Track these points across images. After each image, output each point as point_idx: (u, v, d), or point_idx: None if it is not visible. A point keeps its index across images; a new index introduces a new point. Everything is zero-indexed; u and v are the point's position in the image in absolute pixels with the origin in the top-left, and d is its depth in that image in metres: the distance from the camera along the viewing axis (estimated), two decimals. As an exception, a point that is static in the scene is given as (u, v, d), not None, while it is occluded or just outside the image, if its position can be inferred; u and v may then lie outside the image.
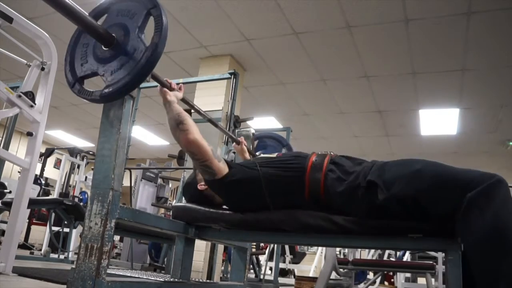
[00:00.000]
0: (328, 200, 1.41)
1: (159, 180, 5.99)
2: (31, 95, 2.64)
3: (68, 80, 1.30)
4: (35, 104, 2.67)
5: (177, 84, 1.57)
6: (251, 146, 2.62)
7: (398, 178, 1.27)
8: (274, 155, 1.61)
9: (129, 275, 1.87)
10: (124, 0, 1.28)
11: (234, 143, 2.25)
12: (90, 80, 1.29)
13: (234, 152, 2.85)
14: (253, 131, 2.78)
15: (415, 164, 1.29)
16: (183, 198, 1.96)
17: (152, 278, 1.68)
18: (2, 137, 3.63)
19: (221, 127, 2.11)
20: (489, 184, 1.13)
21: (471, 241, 1.11)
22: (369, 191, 1.31)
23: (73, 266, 1.19)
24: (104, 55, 1.23)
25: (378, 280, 4.82)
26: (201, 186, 1.63)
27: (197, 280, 1.98)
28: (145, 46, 1.16)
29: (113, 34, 1.22)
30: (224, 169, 1.49)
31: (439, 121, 5.84)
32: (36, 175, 5.04)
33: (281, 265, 5.70)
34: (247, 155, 2.22)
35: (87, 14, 1.19)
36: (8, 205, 3.66)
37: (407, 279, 4.56)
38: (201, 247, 3.62)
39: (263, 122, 6.43)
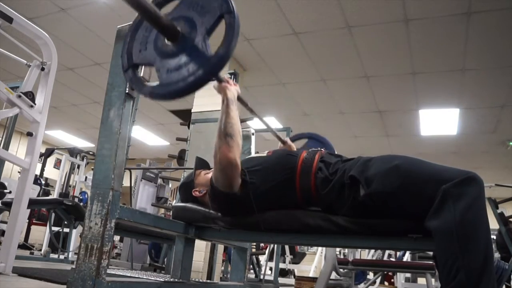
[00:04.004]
0: (319, 199, 1.41)
1: (159, 180, 6.00)
2: (31, 95, 2.64)
3: (123, 64, 1.20)
4: (35, 104, 2.67)
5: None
6: (250, 147, 2.61)
7: (377, 174, 1.29)
8: (265, 153, 1.61)
9: (129, 275, 1.87)
10: None
11: (280, 144, 2.22)
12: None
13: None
14: (253, 131, 2.77)
15: (394, 160, 1.30)
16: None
17: (152, 278, 1.68)
18: (2, 137, 3.63)
19: (273, 131, 2.07)
20: (465, 178, 1.15)
21: (439, 230, 1.12)
22: (352, 187, 1.32)
23: (73, 266, 1.19)
24: (164, 49, 1.11)
25: (378, 280, 4.81)
26: (195, 192, 1.62)
27: (197, 280, 1.98)
28: (209, 54, 1.05)
29: (179, 28, 1.09)
30: (238, 184, 1.45)
31: (439, 121, 5.84)
32: (36, 175, 5.04)
33: (281, 265, 5.70)
34: None
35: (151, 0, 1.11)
36: (8, 205, 3.66)
37: (407, 279, 4.56)
38: (201, 247, 3.62)
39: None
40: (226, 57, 1.04)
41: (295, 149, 2.12)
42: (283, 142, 2.17)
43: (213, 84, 1.49)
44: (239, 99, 1.56)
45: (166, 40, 1.11)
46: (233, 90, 1.50)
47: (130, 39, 1.21)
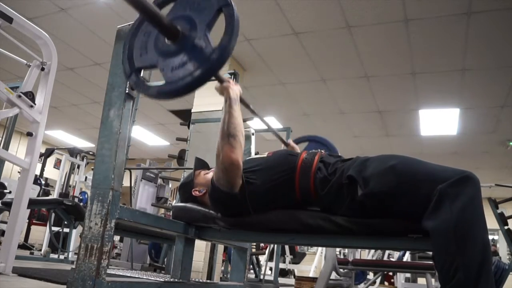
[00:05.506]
0: (319, 200, 1.41)
1: (159, 180, 6.00)
2: (31, 95, 2.64)
3: (125, 70, 1.21)
4: (35, 104, 2.67)
5: None
6: (251, 147, 2.61)
7: (374, 174, 1.29)
8: (265, 154, 1.61)
9: (129, 275, 1.86)
10: None
11: (283, 146, 2.20)
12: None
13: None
14: (253, 131, 2.78)
15: (390, 160, 1.30)
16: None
17: (152, 278, 1.67)
18: (2, 137, 3.63)
19: (274, 131, 2.07)
20: (461, 177, 1.15)
21: (437, 230, 1.12)
22: (351, 187, 1.33)
23: (73, 266, 1.19)
24: (166, 49, 1.13)
25: (378, 280, 4.82)
26: (195, 192, 1.62)
27: (197, 280, 1.98)
28: (212, 46, 1.07)
29: (178, 27, 1.11)
30: (239, 185, 1.45)
31: (439, 121, 5.84)
32: (36, 175, 5.04)
33: (281, 265, 5.70)
34: None
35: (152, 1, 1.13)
36: (8, 205, 3.66)
37: (407, 279, 4.56)
38: (201, 247, 3.62)
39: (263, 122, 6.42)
40: (230, 47, 1.06)
41: (298, 150, 2.12)
42: (286, 144, 2.17)
43: (214, 85, 1.48)
44: (241, 100, 1.54)
45: (166, 40, 1.12)
46: (236, 89, 1.49)
47: (129, 45, 1.21)
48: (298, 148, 2.17)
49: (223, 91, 1.46)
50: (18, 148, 8.16)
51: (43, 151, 5.91)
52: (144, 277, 1.74)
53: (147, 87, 1.14)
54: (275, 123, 6.44)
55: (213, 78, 1.31)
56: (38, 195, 5.35)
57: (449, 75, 4.56)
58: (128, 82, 1.26)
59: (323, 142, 2.49)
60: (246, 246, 2.16)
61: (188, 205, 1.65)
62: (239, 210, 1.48)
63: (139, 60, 1.19)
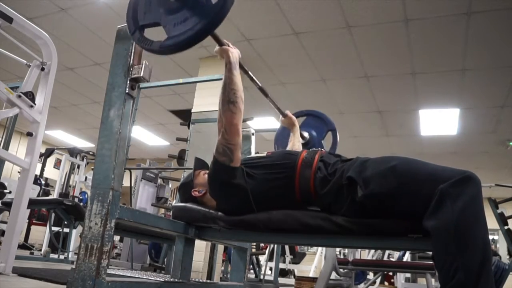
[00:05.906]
0: (318, 199, 1.41)
1: (159, 180, 6.00)
2: (31, 95, 2.64)
3: (129, 27, 1.26)
4: (35, 104, 2.66)
5: (178, 83, 1.55)
6: (251, 147, 2.61)
7: (374, 175, 1.29)
8: (264, 153, 1.61)
9: (129, 275, 1.87)
10: None
11: (281, 117, 2.21)
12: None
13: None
14: (253, 131, 2.78)
15: (391, 161, 1.30)
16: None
17: (152, 278, 1.67)
18: (2, 137, 3.63)
19: (273, 102, 2.09)
20: (462, 177, 1.14)
21: (437, 230, 1.12)
22: (350, 188, 1.33)
23: (73, 266, 1.19)
24: (168, 6, 1.18)
25: (378, 280, 4.82)
26: (195, 192, 1.62)
27: (197, 280, 1.98)
28: (212, 2, 1.13)
29: None
30: (239, 161, 1.49)
31: (439, 121, 5.84)
32: (36, 175, 5.04)
33: (281, 265, 5.70)
34: (297, 127, 2.16)
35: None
36: (8, 205, 3.65)
37: (407, 279, 4.56)
38: (201, 247, 3.62)
39: (263, 122, 6.43)
40: (229, 2, 1.10)
41: (296, 122, 2.16)
42: (284, 115, 2.16)
43: (214, 49, 1.49)
44: (240, 66, 1.56)
45: None
46: (235, 52, 1.50)
47: (133, 4, 1.26)
48: (295, 120, 2.17)
49: (223, 53, 1.48)
50: (18, 148, 8.16)
51: (43, 151, 5.91)
52: (144, 277, 1.74)
53: (150, 42, 1.19)
54: (275, 123, 6.43)
55: (213, 39, 1.36)
56: (38, 195, 5.35)
57: (449, 75, 4.56)
58: (128, 81, 1.27)
59: (320, 116, 2.55)
60: (246, 246, 2.16)
61: (188, 205, 1.65)
62: (240, 199, 1.47)
63: (143, 19, 1.24)
